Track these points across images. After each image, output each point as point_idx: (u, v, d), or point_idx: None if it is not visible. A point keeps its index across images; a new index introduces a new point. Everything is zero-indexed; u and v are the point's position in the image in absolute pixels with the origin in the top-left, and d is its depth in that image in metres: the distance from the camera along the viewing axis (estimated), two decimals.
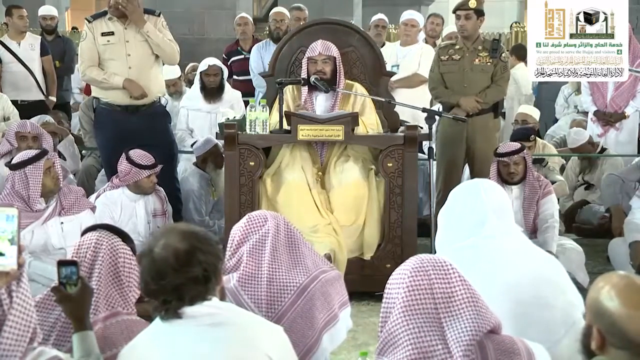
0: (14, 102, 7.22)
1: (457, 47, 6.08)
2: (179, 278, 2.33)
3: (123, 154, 5.42)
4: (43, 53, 7.98)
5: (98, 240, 2.84)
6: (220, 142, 6.00)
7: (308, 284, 3.07)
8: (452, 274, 2.41)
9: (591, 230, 6.73)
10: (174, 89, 7.88)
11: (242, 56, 7.84)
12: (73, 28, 15.29)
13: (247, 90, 7.48)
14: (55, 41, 8.70)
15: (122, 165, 5.42)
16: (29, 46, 7.96)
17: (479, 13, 5.98)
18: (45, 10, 9.04)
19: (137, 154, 5.41)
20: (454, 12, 6.10)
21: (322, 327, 3.05)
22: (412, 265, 2.42)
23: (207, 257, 2.37)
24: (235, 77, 7.90)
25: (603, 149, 7.11)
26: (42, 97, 7.91)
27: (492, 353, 2.35)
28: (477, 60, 5.98)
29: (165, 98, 6.40)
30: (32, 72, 7.85)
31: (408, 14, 7.78)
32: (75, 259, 2.73)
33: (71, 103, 9.26)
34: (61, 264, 2.63)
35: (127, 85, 5.79)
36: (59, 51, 8.57)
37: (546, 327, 2.79)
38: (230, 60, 7.94)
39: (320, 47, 5.42)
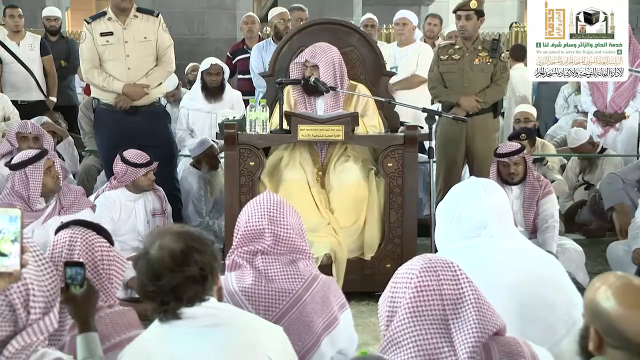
0: (14, 103, 7.23)
1: (457, 47, 6.09)
2: (176, 278, 2.33)
3: (117, 156, 5.43)
4: (43, 53, 7.98)
5: (72, 238, 2.81)
6: (220, 142, 6.00)
7: (307, 286, 3.07)
8: (460, 276, 2.39)
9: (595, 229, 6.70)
10: (173, 98, 7.90)
11: (248, 55, 7.82)
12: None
13: (253, 89, 7.50)
14: (59, 42, 8.70)
15: (118, 166, 5.44)
16: (29, 46, 7.95)
17: (480, 14, 6.00)
18: (49, 11, 9.04)
19: (131, 153, 5.42)
20: (454, 12, 6.11)
21: (321, 330, 3.04)
22: (421, 265, 2.40)
23: (203, 257, 2.37)
24: (240, 75, 7.91)
25: (603, 149, 7.11)
26: (42, 98, 7.90)
27: (497, 355, 2.35)
28: (476, 60, 5.99)
29: (164, 99, 6.41)
30: (31, 72, 7.84)
31: (399, 14, 7.78)
32: (81, 260, 2.72)
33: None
34: (67, 264, 2.63)
35: (127, 92, 5.79)
36: (63, 51, 8.56)
37: (547, 327, 2.79)
38: (236, 59, 7.95)
39: (307, 54, 5.41)
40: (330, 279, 3.18)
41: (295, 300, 3.03)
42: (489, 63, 5.98)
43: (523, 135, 6.24)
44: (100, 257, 2.81)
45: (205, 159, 6.40)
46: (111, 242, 2.88)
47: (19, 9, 8.08)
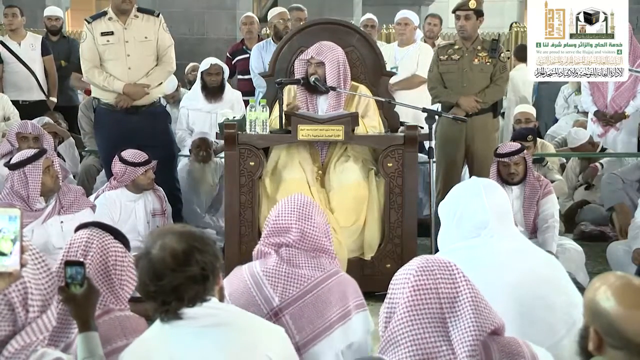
0: (15, 103, 7.23)
1: (456, 47, 6.09)
2: (177, 278, 2.33)
3: (116, 157, 5.44)
4: (44, 53, 7.98)
5: (89, 240, 2.81)
6: (220, 142, 6.01)
7: (327, 277, 3.09)
8: (457, 275, 2.40)
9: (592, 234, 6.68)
10: (173, 99, 7.90)
11: (248, 55, 7.82)
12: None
13: (252, 89, 7.50)
14: (60, 41, 8.69)
15: (116, 166, 5.44)
16: (30, 46, 7.95)
17: (479, 13, 6.00)
18: (50, 11, 9.04)
19: (129, 153, 5.43)
20: (453, 12, 6.10)
21: (336, 319, 3.05)
22: (418, 265, 2.41)
23: (205, 257, 2.37)
24: (240, 76, 7.91)
25: (603, 149, 7.12)
26: (43, 98, 7.90)
27: (497, 355, 2.35)
28: (476, 60, 5.99)
29: (164, 100, 6.42)
30: (33, 72, 7.85)
31: (400, 14, 7.80)
32: (82, 259, 2.73)
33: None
34: (67, 264, 2.63)
35: (127, 91, 5.80)
36: (65, 51, 8.55)
37: (547, 327, 2.80)
38: (235, 60, 7.95)
39: (313, 52, 5.41)
40: (351, 280, 3.20)
41: (313, 286, 3.06)
42: (488, 63, 5.98)
43: (530, 137, 6.26)
44: (113, 262, 2.81)
45: (195, 150, 6.43)
46: (128, 247, 2.88)
47: (16, 8, 8.06)
